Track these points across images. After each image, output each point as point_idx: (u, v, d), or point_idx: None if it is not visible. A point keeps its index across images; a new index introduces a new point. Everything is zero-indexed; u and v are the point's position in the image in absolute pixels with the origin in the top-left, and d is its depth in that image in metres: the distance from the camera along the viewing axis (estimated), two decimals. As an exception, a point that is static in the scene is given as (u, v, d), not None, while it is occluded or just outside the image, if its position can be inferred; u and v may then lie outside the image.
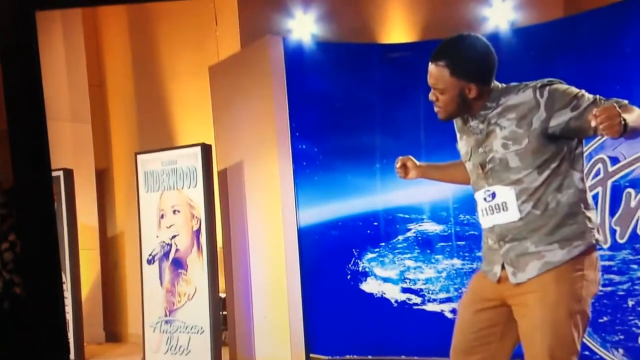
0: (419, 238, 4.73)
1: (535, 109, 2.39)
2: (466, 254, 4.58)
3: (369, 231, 4.80)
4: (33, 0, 2.86)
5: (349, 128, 4.80)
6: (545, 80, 2.41)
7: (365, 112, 4.81)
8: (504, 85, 2.49)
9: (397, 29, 5.08)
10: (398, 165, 2.79)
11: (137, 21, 6.13)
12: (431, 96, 2.50)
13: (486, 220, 2.52)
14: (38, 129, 3.04)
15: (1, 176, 3.52)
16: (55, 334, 3.12)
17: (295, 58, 4.78)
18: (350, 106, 4.81)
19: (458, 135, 2.66)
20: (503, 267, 2.47)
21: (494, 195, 2.48)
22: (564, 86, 2.41)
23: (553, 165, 2.43)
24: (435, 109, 2.52)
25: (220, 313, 5.05)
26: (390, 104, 4.79)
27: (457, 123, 2.64)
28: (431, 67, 2.46)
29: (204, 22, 5.51)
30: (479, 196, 2.54)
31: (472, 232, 4.51)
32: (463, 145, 2.60)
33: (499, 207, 2.48)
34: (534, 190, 2.43)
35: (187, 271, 4.90)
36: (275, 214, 4.79)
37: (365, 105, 4.81)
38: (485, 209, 2.51)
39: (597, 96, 2.36)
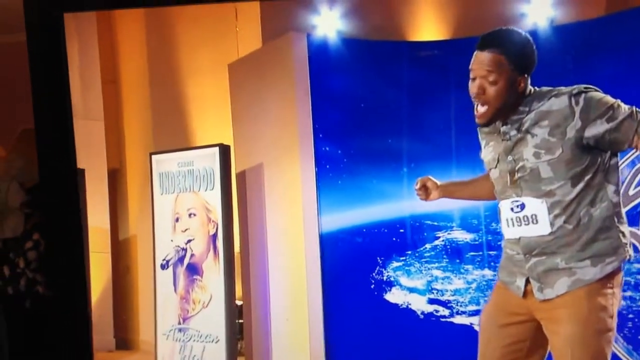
0: (448, 247, 4.66)
1: (570, 117, 2.33)
2: (498, 265, 4.43)
3: (394, 239, 4.73)
4: (61, 3, 3.14)
5: (375, 130, 4.73)
6: (582, 86, 2.35)
7: (392, 113, 4.74)
8: (535, 88, 2.43)
9: (427, 26, 4.98)
10: (417, 186, 2.71)
11: (153, 15, 6.06)
12: (476, 89, 2.39)
13: (511, 232, 2.45)
14: (64, 129, 3.34)
15: (24, 175, 3.96)
16: (77, 334, 3.32)
17: (319, 56, 4.70)
18: (376, 107, 4.74)
19: (483, 142, 2.59)
20: (528, 281, 2.41)
21: (522, 206, 2.42)
22: (599, 94, 2.35)
23: (587, 177, 2.37)
24: (480, 107, 2.42)
25: (237, 321, 4.98)
26: (418, 105, 4.72)
27: (482, 129, 2.56)
28: (482, 54, 2.39)
29: (223, 16, 5.44)
30: (504, 205, 2.47)
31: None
32: (489, 152, 2.53)
33: (528, 219, 2.41)
34: (567, 203, 2.36)
35: (202, 277, 4.81)
36: (296, 219, 4.72)
37: (392, 106, 4.74)
38: (512, 220, 2.44)
39: (634, 108, 2.31)
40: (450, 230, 4.67)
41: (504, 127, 2.44)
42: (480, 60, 2.39)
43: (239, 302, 5.03)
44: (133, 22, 6.28)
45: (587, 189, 2.37)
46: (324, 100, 4.72)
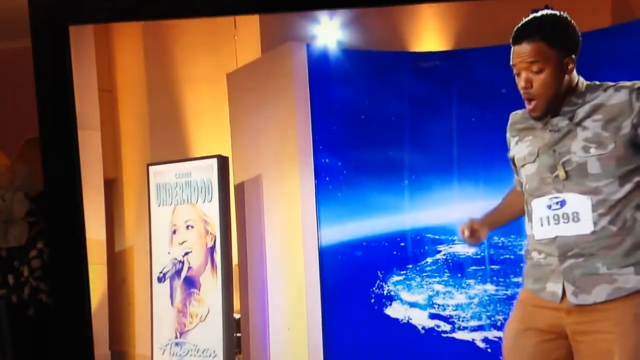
0: (450, 261, 4.63)
1: (627, 112, 2.29)
2: (500, 279, 4.47)
3: (395, 252, 4.70)
4: (67, 15, 3.29)
5: (376, 141, 4.71)
6: None
7: (393, 124, 4.72)
8: (587, 82, 2.40)
9: (429, 36, 4.95)
10: (467, 234, 2.58)
11: (150, 23, 6.03)
12: (523, 82, 2.36)
13: (545, 231, 2.38)
14: (69, 139, 3.46)
15: (29, 184, 4.05)
16: (80, 342, 3.37)
17: (319, 66, 4.68)
18: (377, 118, 4.71)
19: (513, 139, 2.53)
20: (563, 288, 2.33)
21: (563, 203, 2.34)
22: None
23: (637, 179, 2.31)
24: (529, 100, 2.38)
25: (234, 335, 4.93)
26: (420, 116, 4.70)
27: (515, 124, 2.52)
28: (520, 47, 2.36)
29: (221, 25, 5.40)
30: (539, 203, 2.39)
31: (507, 256, 4.41)
32: (525, 147, 2.46)
33: (568, 216, 2.33)
34: (613, 203, 2.29)
35: (199, 291, 4.78)
36: (295, 232, 4.69)
37: (393, 118, 4.72)
38: (548, 218, 2.37)
39: None
40: (452, 244, 4.63)
41: (555, 118, 2.38)
42: (520, 53, 2.36)
43: (236, 315, 4.97)
44: (130, 30, 6.25)
45: (635, 191, 2.31)
46: (324, 111, 4.69)
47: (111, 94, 6.43)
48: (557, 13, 2.41)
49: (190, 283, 4.82)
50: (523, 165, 2.48)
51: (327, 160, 4.71)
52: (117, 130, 6.46)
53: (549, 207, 2.37)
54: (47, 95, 3.38)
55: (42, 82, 3.36)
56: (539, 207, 2.40)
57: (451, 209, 4.54)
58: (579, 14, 4.45)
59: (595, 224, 2.30)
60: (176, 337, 4.89)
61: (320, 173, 4.69)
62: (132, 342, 6.15)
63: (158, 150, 5.77)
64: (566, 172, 2.35)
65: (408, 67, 4.76)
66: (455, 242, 4.62)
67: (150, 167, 5.04)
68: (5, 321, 3.93)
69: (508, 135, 2.60)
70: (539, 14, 2.41)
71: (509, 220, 2.77)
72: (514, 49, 2.39)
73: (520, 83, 2.38)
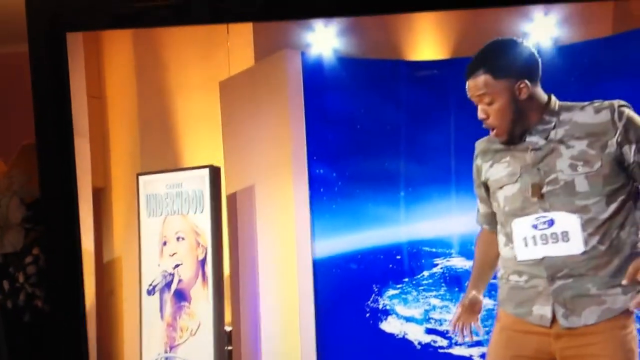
0: (447, 274, 4.59)
1: (611, 131, 2.32)
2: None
3: (391, 265, 4.66)
4: (64, 23, 3.39)
5: (372, 152, 4.69)
6: (622, 101, 2.36)
7: (389, 134, 4.70)
8: (560, 102, 2.43)
9: (427, 45, 4.92)
10: (463, 329, 2.67)
11: (141, 29, 6.00)
12: (481, 114, 2.42)
13: (532, 251, 2.39)
14: (66, 145, 3.63)
15: (25, 190, 4.21)
16: (75, 348, 3.48)
17: (314, 74, 4.67)
18: (373, 128, 4.69)
19: (488, 162, 2.55)
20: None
21: (551, 222, 2.35)
22: (637, 117, 2.35)
23: (621, 198, 2.34)
24: (491, 130, 2.43)
25: (225, 349, 4.87)
26: (417, 126, 4.68)
27: (485, 151, 2.55)
28: (469, 83, 2.43)
29: (214, 31, 5.35)
30: (524, 223, 2.40)
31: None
32: (502, 167, 2.48)
33: (557, 236, 2.34)
34: (601, 222, 2.32)
35: (190, 304, 4.75)
36: (288, 244, 4.67)
37: (389, 128, 4.70)
38: (534, 237, 2.38)
39: None
40: (449, 257, 4.60)
41: (531, 137, 2.40)
42: (470, 88, 2.44)
43: (228, 328, 4.93)
44: (120, 35, 6.20)
45: (619, 210, 2.34)
46: (319, 121, 4.67)
47: (100, 101, 6.39)
48: (504, 40, 2.47)
49: (181, 296, 4.78)
50: (501, 187, 2.49)
51: (321, 171, 4.69)
52: (106, 138, 6.41)
53: (535, 226, 2.38)
54: (44, 101, 3.47)
55: (39, 89, 3.44)
56: (522, 227, 2.41)
57: (449, 221, 4.51)
58: (580, 23, 4.51)
59: (585, 243, 2.32)
60: (166, 352, 4.85)
61: (314, 184, 4.67)
62: (121, 355, 6.08)
63: (148, 159, 5.72)
64: (548, 192, 2.37)
65: (405, 75, 4.75)
66: (453, 255, 4.60)
67: (140, 177, 5.00)
68: (0, 327, 4.02)
69: (478, 162, 2.63)
70: (487, 44, 2.48)
71: (488, 277, 2.86)
72: (467, 85, 2.46)
73: (479, 114, 2.44)
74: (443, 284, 4.60)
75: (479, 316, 2.64)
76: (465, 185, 4.50)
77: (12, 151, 4.63)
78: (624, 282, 2.26)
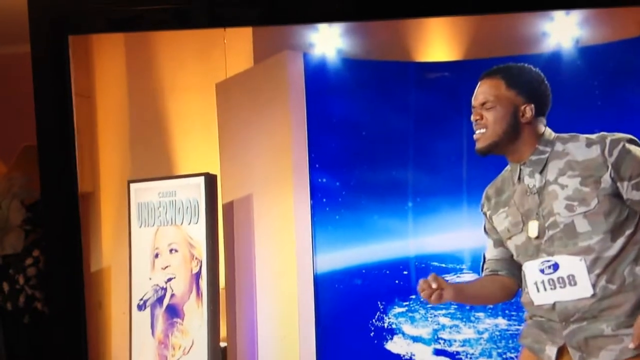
0: None
1: (602, 168, 2.30)
2: (513, 313, 4.39)
3: (397, 281, 4.65)
4: (66, 26, 3.58)
5: (378, 160, 4.68)
6: (617, 135, 2.32)
7: (396, 141, 4.69)
8: (556, 133, 2.44)
9: (437, 45, 4.87)
10: (430, 288, 2.47)
11: (133, 25, 5.96)
12: (474, 116, 2.43)
13: (544, 297, 2.38)
14: (67, 147, 3.80)
15: (25, 192, 4.38)
16: (75, 350, 3.68)
17: (317, 77, 4.65)
18: (379, 134, 4.68)
19: (489, 212, 2.58)
20: (560, 351, 2.35)
21: (556, 266, 2.34)
22: (635, 150, 2.31)
23: (628, 232, 2.30)
24: (476, 132, 2.45)
25: (220, 366, 4.86)
26: (426, 132, 4.66)
27: (489, 199, 2.58)
28: (480, 84, 2.45)
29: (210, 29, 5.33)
30: (531, 267, 2.40)
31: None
32: (503, 219, 2.49)
33: (564, 280, 2.33)
34: (608, 261, 2.29)
35: (183, 320, 4.69)
36: (288, 258, 4.64)
37: (397, 134, 4.68)
38: (543, 282, 2.37)
39: None
40: (460, 273, 4.59)
41: (526, 171, 2.40)
42: (478, 90, 2.46)
43: (223, 344, 4.88)
44: (110, 33, 6.18)
45: (629, 245, 2.30)
46: (322, 127, 4.65)
47: (89, 100, 6.33)
48: (531, 67, 2.50)
49: (173, 312, 4.73)
50: (510, 237, 2.50)
51: (324, 180, 4.68)
52: (95, 138, 6.35)
53: (542, 271, 2.39)
54: (46, 104, 3.64)
55: (41, 91, 3.61)
56: (531, 271, 2.42)
57: (459, 234, 4.50)
58: (605, 23, 4.44)
59: (594, 285, 2.30)
60: (157, 371, 4.80)
61: (316, 193, 4.66)
62: (109, 374, 6.07)
63: (140, 164, 5.68)
64: (550, 237, 2.37)
65: (413, 78, 4.73)
66: (464, 271, 4.58)
67: (132, 185, 4.96)
68: (0, 329, 4.24)
69: (485, 210, 2.67)
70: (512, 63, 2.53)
71: (475, 298, 2.80)
72: (478, 84, 2.49)
73: (474, 116, 2.46)
74: (453, 302, 4.52)
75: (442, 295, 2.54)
76: (477, 196, 4.48)
77: (12, 153, 4.76)
78: (630, 345, 2.24)
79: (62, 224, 3.72)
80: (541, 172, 2.39)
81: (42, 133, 3.65)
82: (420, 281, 2.49)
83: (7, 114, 4.82)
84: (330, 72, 4.67)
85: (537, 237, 2.39)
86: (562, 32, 4.43)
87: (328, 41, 4.67)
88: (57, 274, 3.66)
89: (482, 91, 2.45)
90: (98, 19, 3.47)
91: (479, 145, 2.47)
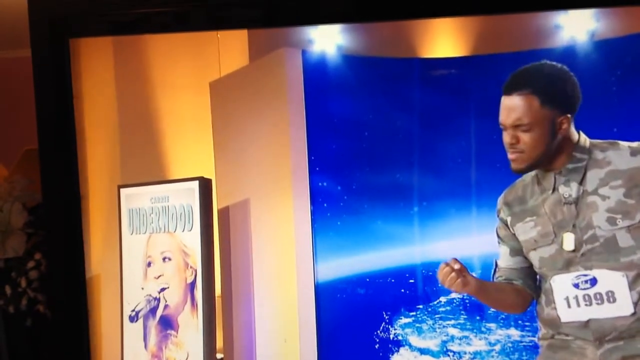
0: (467, 301, 4.54)
1: None
2: (526, 323, 4.32)
3: (403, 290, 4.63)
4: (66, 29, 3.79)
5: (381, 162, 4.65)
6: None
7: (401, 142, 4.66)
8: (590, 139, 2.41)
9: (443, 40, 4.80)
10: (454, 270, 2.48)
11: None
12: (509, 139, 2.35)
13: (576, 313, 2.33)
14: (68, 150, 4.03)
15: (27, 195, 4.48)
16: (76, 354, 3.88)
17: (316, 75, 4.61)
18: (383, 135, 4.65)
19: (509, 219, 2.50)
20: None
21: (594, 281, 2.29)
22: None
23: None
24: (512, 156, 2.38)
25: (216, 379, 4.83)
26: (432, 133, 4.63)
27: (509, 206, 2.48)
28: (510, 99, 2.34)
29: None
30: (562, 281, 2.35)
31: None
32: (529, 228, 2.43)
33: (602, 297, 2.28)
34: None
35: (177, 332, 4.64)
36: (287, 266, 4.61)
37: (401, 135, 4.65)
38: (577, 298, 2.32)
39: None
40: (469, 281, 4.53)
41: (562, 181, 2.34)
42: (508, 107, 2.35)
43: (219, 355, 4.85)
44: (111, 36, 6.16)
45: None
46: (322, 128, 4.62)
47: (77, 99, 6.27)
48: (558, 65, 2.40)
49: (167, 324, 4.68)
50: (535, 249, 2.46)
51: (325, 184, 4.65)
52: (83, 140, 6.29)
53: (576, 285, 2.34)
54: (47, 107, 3.83)
55: (41, 94, 3.79)
56: (562, 285, 2.37)
57: (468, 240, 4.49)
58: (622, 14, 4.37)
59: (635, 304, 2.28)
60: (150, 385, 4.77)
61: (317, 198, 4.63)
62: (99, 388, 6.04)
63: (131, 167, 5.64)
64: (588, 250, 2.33)
65: (418, 75, 4.69)
66: None
67: (122, 190, 4.92)
68: (2, 332, 4.37)
69: (502, 216, 2.59)
70: (537, 62, 2.43)
71: (494, 300, 2.76)
72: (502, 100, 2.39)
73: (506, 139, 2.39)
74: (462, 312, 4.55)
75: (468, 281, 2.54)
76: (487, 199, 4.45)
77: (14, 156, 4.89)
78: None
79: (63, 226, 3.90)
80: (580, 182, 2.35)
81: (43, 136, 3.80)
82: (442, 264, 2.53)
83: (8, 118, 5.04)
84: (330, 70, 4.65)
85: (573, 251, 2.34)
86: (576, 25, 4.38)
87: (328, 37, 4.64)
88: (59, 276, 3.83)
89: (513, 109, 2.36)
90: (98, 22, 3.71)
91: (516, 166, 2.42)
